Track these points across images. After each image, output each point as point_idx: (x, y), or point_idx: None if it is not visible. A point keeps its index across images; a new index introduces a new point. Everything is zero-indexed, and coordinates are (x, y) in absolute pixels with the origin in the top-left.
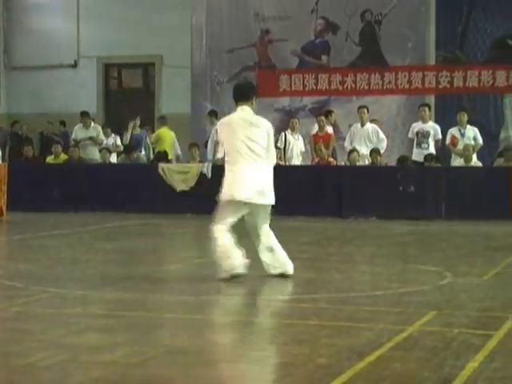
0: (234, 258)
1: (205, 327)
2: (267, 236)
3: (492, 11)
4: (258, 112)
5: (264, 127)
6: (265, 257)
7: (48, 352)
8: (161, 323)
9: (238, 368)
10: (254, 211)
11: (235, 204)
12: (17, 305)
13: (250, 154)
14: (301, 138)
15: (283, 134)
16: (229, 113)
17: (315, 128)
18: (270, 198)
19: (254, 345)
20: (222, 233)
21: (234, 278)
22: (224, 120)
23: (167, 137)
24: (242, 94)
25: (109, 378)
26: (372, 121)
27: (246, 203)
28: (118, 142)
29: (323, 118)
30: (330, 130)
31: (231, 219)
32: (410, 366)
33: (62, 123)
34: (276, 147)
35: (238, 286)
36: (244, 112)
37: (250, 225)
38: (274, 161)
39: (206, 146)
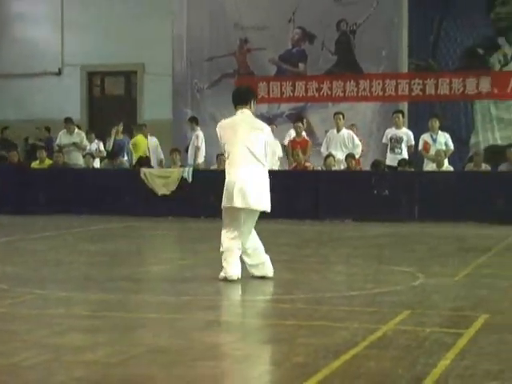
0: (231, 266)
1: (185, 327)
2: (252, 239)
3: (462, 21)
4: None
5: (265, 130)
6: (247, 259)
7: (32, 352)
8: (142, 323)
9: (218, 366)
10: (248, 215)
11: (232, 210)
12: (2, 306)
13: (251, 157)
14: (279, 144)
15: None
16: (210, 119)
17: (292, 134)
18: (265, 205)
19: (233, 344)
20: (226, 238)
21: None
22: (225, 122)
23: (142, 143)
24: (241, 98)
25: (91, 377)
26: (350, 126)
27: (241, 208)
28: (102, 147)
29: (300, 124)
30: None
31: (234, 224)
32: (385, 364)
33: (47, 129)
34: None
35: (219, 286)
36: (244, 115)
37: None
38: (272, 166)
39: (186, 151)
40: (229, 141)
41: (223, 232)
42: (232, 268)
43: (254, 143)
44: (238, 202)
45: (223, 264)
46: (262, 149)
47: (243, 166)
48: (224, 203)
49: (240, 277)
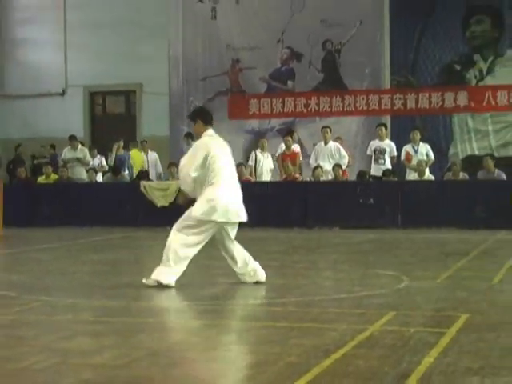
0: (175, 274)
1: (183, 330)
2: (240, 250)
3: (440, 39)
4: (229, 133)
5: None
6: (239, 269)
7: (41, 356)
8: (144, 327)
9: (214, 367)
10: (229, 228)
11: (214, 223)
12: (11, 313)
13: (233, 173)
14: (269, 157)
15: (253, 153)
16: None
17: (281, 147)
18: (244, 216)
19: (229, 345)
20: (185, 245)
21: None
22: (212, 142)
23: (136, 157)
24: (211, 118)
25: (97, 379)
26: (336, 138)
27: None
28: (104, 162)
29: (289, 138)
30: (296, 148)
31: (205, 235)
32: (372, 362)
33: (52, 146)
34: (244, 165)
35: (214, 292)
36: (215, 134)
37: (221, 241)
38: None
39: None
40: (221, 160)
41: (183, 237)
42: (175, 276)
43: (232, 161)
44: (234, 217)
45: (167, 268)
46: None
47: (228, 182)
48: (213, 217)
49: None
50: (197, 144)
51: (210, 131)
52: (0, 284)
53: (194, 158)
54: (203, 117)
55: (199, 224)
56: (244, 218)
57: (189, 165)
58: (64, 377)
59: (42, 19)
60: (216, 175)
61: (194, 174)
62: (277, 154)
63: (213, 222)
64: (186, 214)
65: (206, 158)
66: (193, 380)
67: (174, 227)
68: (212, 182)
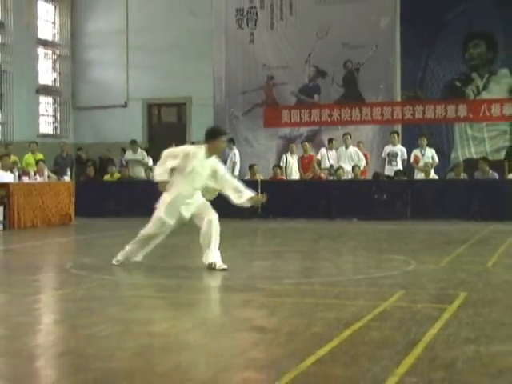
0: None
1: (227, 305)
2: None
3: (443, 61)
4: (265, 139)
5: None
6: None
7: (106, 325)
8: (194, 302)
9: (252, 336)
10: None
11: None
12: (82, 289)
13: None
14: (295, 159)
15: (284, 156)
16: (243, 140)
17: (323, 152)
18: None
19: (264, 318)
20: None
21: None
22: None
23: None
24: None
25: (155, 345)
26: (358, 143)
27: None
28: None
29: (306, 143)
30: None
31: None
32: (385, 333)
33: (123, 150)
34: (279, 166)
35: (251, 273)
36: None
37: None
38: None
39: (225, 165)
40: None
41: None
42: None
43: None
44: None
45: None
46: None
47: None
48: None
49: None
50: None
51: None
52: (74, 265)
53: None
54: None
55: None
56: None
57: None
58: (126, 342)
59: (108, 43)
60: None
61: None
62: (319, 156)
63: None
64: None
65: None
66: (235, 346)
67: (216, 215)
68: None
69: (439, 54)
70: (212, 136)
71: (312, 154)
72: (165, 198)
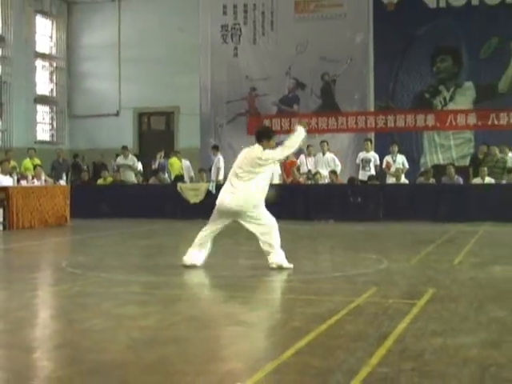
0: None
1: (212, 300)
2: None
3: (413, 73)
4: (248, 145)
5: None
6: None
7: (99, 319)
8: (181, 298)
9: (235, 330)
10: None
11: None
12: (77, 286)
13: (232, 173)
14: (278, 165)
15: None
16: (227, 147)
17: (300, 158)
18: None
19: (246, 313)
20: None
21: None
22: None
23: (175, 164)
24: (256, 137)
25: (144, 338)
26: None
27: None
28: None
29: None
30: (293, 158)
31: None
32: (359, 326)
33: (116, 155)
34: None
35: (235, 270)
36: (252, 147)
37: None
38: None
39: (210, 171)
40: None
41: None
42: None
43: (242, 166)
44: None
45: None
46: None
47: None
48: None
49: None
50: None
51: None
52: (69, 263)
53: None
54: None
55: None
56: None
57: None
58: (117, 336)
59: (102, 56)
60: None
61: None
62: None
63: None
64: None
65: None
66: (219, 340)
67: None
68: None
69: (409, 67)
70: (268, 136)
71: (294, 159)
72: (260, 200)
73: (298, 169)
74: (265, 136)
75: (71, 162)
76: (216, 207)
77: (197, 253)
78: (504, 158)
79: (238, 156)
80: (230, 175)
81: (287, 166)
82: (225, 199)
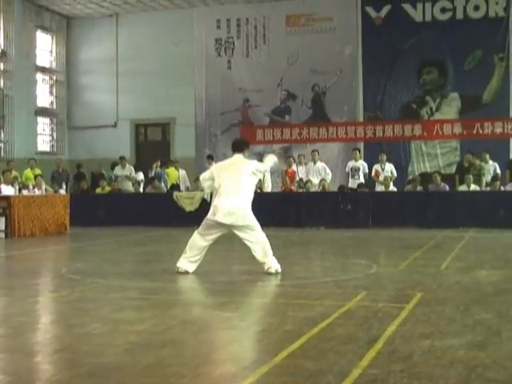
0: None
1: (207, 305)
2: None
3: (400, 85)
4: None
5: (252, 164)
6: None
7: (98, 324)
8: (177, 303)
9: (230, 333)
10: (237, 228)
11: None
12: (76, 291)
13: (233, 185)
14: (269, 174)
15: None
16: (222, 156)
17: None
18: (246, 220)
19: (240, 317)
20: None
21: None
22: (221, 163)
23: (172, 174)
24: (237, 147)
25: (141, 341)
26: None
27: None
28: (142, 177)
29: (291, 159)
30: (294, 167)
31: (211, 232)
32: (349, 329)
33: (112, 166)
34: None
35: (230, 276)
36: (236, 158)
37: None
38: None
39: None
40: (221, 176)
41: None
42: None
43: (241, 177)
44: (226, 220)
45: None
46: (249, 180)
47: (232, 194)
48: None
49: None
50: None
51: (234, 156)
52: (68, 270)
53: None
54: (232, 146)
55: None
56: (224, 220)
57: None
58: (115, 340)
59: (100, 69)
60: (217, 188)
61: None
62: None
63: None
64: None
65: (211, 173)
66: (214, 343)
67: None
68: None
69: (397, 79)
70: (248, 147)
71: (294, 169)
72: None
73: (293, 178)
74: (247, 146)
75: (75, 172)
76: (215, 218)
77: (189, 262)
78: (480, 166)
79: (227, 166)
80: (228, 187)
81: (289, 174)
82: (227, 212)
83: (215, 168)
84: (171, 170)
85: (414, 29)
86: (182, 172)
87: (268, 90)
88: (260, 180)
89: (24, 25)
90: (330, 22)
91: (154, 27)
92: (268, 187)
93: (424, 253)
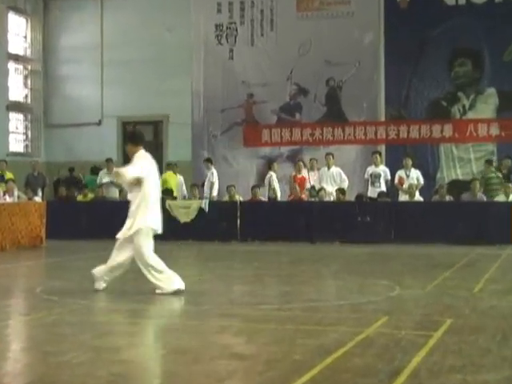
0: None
1: (203, 331)
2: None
3: (428, 79)
4: (244, 158)
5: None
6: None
7: (78, 352)
8: (168, 328)
9: (229, 364)
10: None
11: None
12: (53, 314)
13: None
14: (276, 180)
15: (273, 174)
16: (222, 160)
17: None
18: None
19: (242, 345)
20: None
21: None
22: (147, 155)
23: (171, 178)
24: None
25: (127, 373)
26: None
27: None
28: None
29: (301, 163)
30: (305, 173)
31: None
32: (368, 360)
33: (92, 170)
34: (257, 186)
35: (230, 297)
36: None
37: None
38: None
39: (203, 186)
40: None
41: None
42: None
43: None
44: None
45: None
46: None
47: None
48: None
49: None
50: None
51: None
52: (44, 289)
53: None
54: (132, 139)
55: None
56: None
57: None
58: (97, 370)
59: (82, 58)
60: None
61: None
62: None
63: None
64: None
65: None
66: (210, 375)
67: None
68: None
69: (424, 71)
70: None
71: (305, 175)
72: None
73: (302, 186)
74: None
75: (68, 175)
76: (152, 228)
77: (172, 278)
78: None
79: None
80: (154, 194)
81: (298, 181)
82: (159, 220)
83: (143, 160)
84: (169, 175)
85: (446, 13)
86: (180, 179)
87: (276, 84)
88: (273, 189)
89: None
90: (348, 5)
91: (144, 10)
92: (277, 197)
93: (454, 273)
